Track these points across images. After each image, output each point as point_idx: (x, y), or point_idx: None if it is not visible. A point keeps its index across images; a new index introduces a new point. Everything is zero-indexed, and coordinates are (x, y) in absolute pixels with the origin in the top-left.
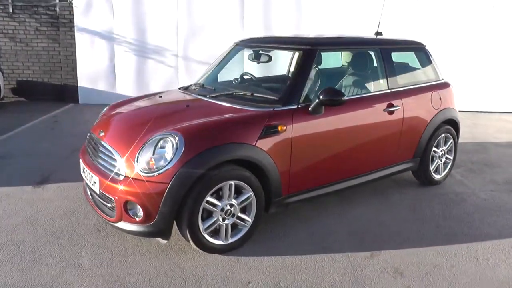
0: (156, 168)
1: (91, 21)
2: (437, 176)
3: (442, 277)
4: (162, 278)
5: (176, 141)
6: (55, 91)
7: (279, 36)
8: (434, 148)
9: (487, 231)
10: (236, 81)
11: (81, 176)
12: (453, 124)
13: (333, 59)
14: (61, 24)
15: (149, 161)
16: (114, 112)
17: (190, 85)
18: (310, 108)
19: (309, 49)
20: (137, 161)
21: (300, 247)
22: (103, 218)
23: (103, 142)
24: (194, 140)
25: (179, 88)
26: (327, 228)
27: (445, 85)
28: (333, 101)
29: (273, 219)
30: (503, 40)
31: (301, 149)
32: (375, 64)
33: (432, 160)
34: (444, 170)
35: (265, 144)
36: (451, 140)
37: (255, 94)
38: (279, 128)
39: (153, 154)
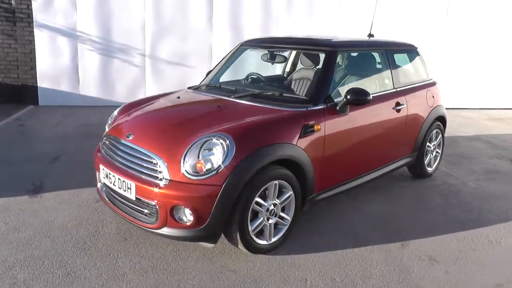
0: (206, 170)
1: (52, 17)
2: (429, 169)
3: (471, 261)
4: (219, 282)
5: (227, 143)
6: (12, 91)
7: (294, 37)
8: (427, 143)
9: (488, 217)
10: (245, 81)
11: (97, 182)
12: (442, 120)
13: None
14: (18, 19)
15: (196, 164)
16: (135, 114)
17: (201, 85)
18: (337, 107)
19: (332, 51)
20: (183, 164)
21: (334, 242)
22: (137, 226)
23: (134, 146)
24: (244, 141)
25: (189, 88)
26: (350, 223)
27: (435, 84)
28: (360, 100)
29: (300, 217)
30: (453, 39)
31: (331, 146)
32: (382, 64)
33: (426, 154)
34: (434, 163)
35: (304, 143)
36: (440, 135)
37: (284, 94)
38: (315, 127)
39: (201, 156)
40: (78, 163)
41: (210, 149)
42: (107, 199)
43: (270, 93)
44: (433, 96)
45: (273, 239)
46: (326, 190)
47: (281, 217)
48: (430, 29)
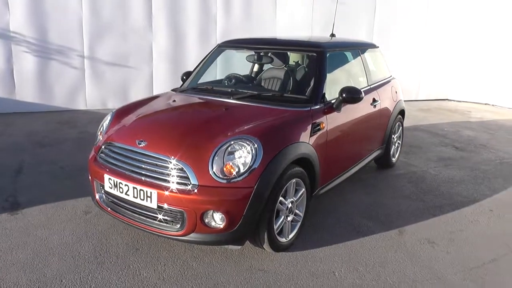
0: (236, 173)
1: None
2: (393, 159)
3: (463, 240)
4: (255, 283)
5: (255, 146)
6: None
7: (280, 39)
8: (392, 135)
9: (460, 200)
10: (229, 81)
11: (95, 193)
12: (402, 113)
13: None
14: None
15: (224, 167)
16: (136, 120)
17: (188, 88)
18: (334, 105)
19: (322, 51)
20: (211, 168)
21: (340, 235)
22: (157, 234)
23: (150, 153)
24: (270, 142)
25: (173, 90)
26: (345, 215)
27: (395, 80)
28: (354, 98)
29: None
30: (380, 37)
31: (331, 143)
32: (358, 62)
33: (390, 146)
34: (396, 153)
35: (313, 140)
36: (401, 127)
37: (284, 95)
38: (321, 125)
39: (229, 159)
40: (45, 174)
41: (237, 152)
42: (110, 210)
43: (270, 94)
44: (396, 92)
45: (290, 236)
46: (326, 184)
47: (295, 214)
48: (358, 28)
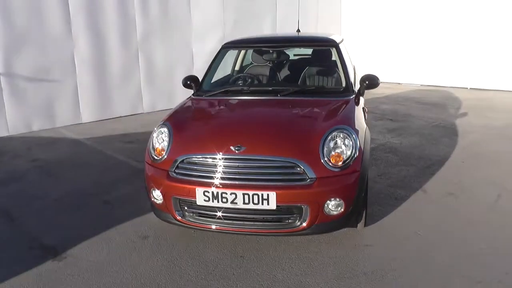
0: (344, 160)
1: None
2: None
3: (470, 188)
4: (373, 255)
5: (353, 135)
6: None
7: (296, 36)
8: None
9: (436, 159)
10: (250, 79)
11: (173, 212)
12: None
13: None
14: None
15: (333, 156)
16: (211, 127)
17: (218, 91)
18: (361, 92)
19: (337, 44)
20: (323, 159)
21: (386, 203)
22: (278, 234)
23: (256, 156)
24: (358, 130)
25: (196, 95)
26: (373, 189)
27: None
28: (374, 84)
29: None
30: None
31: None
32: (347, 55)
33: None
34: None
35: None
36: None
37: (325, 87)
38: (366, 110)
39: (335, 149)
40: (42, 211)
41: (340, 140)
42: (204, 224)
43: (313, 88)
44: None
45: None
46: None
47: None
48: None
